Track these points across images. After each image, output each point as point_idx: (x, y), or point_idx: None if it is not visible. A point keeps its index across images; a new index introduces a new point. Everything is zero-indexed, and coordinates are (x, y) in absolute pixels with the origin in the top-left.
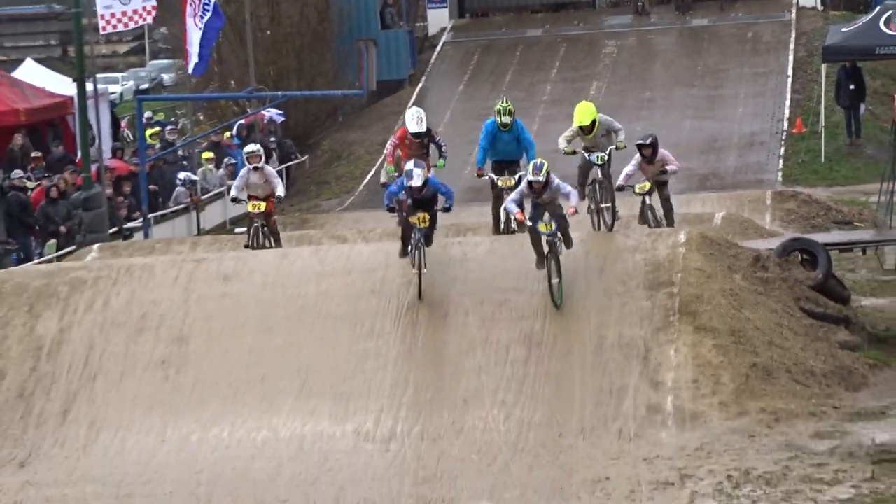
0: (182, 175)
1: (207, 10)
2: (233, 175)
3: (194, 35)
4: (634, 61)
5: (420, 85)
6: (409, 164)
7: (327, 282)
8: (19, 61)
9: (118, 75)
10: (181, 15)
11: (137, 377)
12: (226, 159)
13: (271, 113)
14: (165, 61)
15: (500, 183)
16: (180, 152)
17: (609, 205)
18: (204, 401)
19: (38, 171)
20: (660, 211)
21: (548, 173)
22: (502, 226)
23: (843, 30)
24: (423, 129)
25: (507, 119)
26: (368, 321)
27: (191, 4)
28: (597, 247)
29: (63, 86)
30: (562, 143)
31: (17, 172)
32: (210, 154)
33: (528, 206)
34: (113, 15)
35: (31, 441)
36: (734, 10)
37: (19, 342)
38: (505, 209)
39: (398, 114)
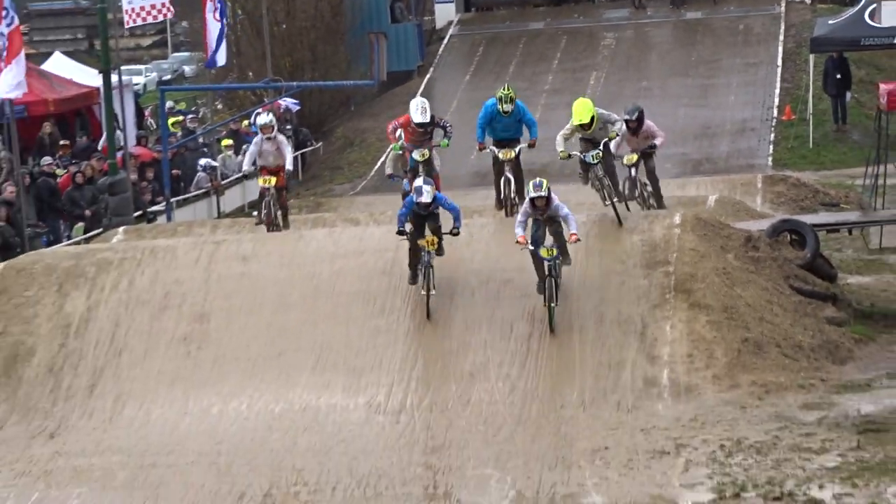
0: (202, 161)
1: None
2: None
3: (214, 29)
4: (632, 53)
5: (428, 75)
6: (418, 181)
7: (340, 262)
8: (48, 54)
9: (142, 67)
10: (202, 10)
11: (161, 353)
12: (244, 146)
13: (287, 102)
14: (186, 54)
15: (500, 156)
16: (201, 140)
17: (612, 202)
18: (224, 375)
19: (65, 159)
20: (646, 189)
21: (548, 189)
22: (502, 197)
23: (830, 22)
24: (427, 119)
25: (508, 107)
26: (380, 299)
27: (210, 0)
28: (596, 228)
29: (89, 77)
30: (559, 144)
31: (47, 159)
32: (229, 141)
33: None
34: (134, 10)
35: (60, 413)
36: (726, 4)
37: (49, 320)
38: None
39: (407, 103)
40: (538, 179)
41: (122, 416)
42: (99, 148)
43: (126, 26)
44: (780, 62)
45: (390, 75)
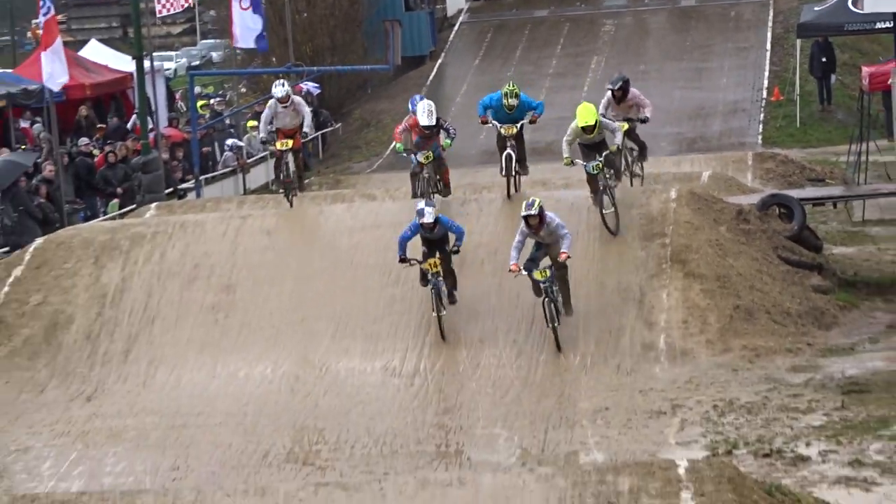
0: (229, 141)
1: None
2: None
3: (238, 17)
4: (630, 38)
5: (440, 60)
6: (420, 204)
7: (358, 235)
8: (85, 42)
9: (172, 53)
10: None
11: (191, 321)
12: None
13: (308, 86)
14: (214, 41)
15: (502, 131)
16: (227, 121)
17: (612, 210)
18: (249, 342)
19: (100, 141)
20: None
21: (541, 208)
22: (504, 174)
23: (816, 9)
24: (433, 122)
25: (513, 101)
26: (395, 270)
27: None
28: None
29: (123, 63)
30: (564, 151)
31: (84, 140)
32: (254, 122)
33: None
34: None
35: (97, 378)
36: None
37: (86, 290)
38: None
39: (420, 86)
40: (531, 199)
41: (154, 380)
42: (129, 127)
43: (157, 15)
44: (768, 47)
45: (404, 60)
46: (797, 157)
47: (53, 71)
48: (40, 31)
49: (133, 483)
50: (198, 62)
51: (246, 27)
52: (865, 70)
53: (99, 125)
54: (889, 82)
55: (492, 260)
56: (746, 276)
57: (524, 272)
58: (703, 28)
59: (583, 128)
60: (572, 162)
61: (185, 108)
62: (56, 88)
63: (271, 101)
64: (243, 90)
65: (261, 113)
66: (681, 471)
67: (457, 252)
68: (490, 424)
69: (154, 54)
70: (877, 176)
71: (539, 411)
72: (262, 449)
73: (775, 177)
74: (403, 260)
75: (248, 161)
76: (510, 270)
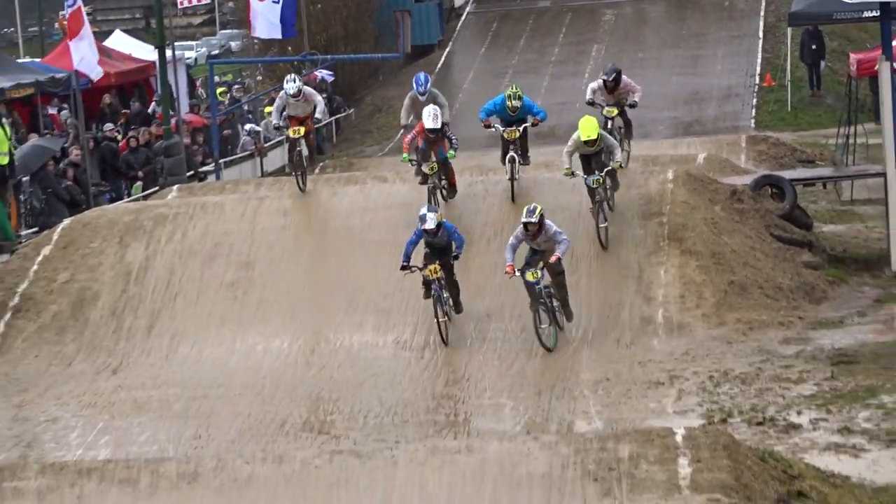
0: (247, 126)
1: None
2: None
3: (258, 7)
4: (629, 27)
5: (447, 49)
6: (423, 210)
7: (371, 215)
8: (109, 32)
9: (193, 43)
10: None
11: (211, 297)
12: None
13: (323, 73)
14: (233, 31)
15: (505, 135)
16: (246, 107)
17: (605, 224)
18: (267, 317)
19: (123, 127)
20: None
21: (541, 216)
22: (508, 178)
23: None
24: (438, 125)
25: (516, 103)
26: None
27: None
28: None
29: (146, 52)
30: (565, 161)
31: (108, 125)
32: (271, 108)
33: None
34: None
35: (122, 352)
36: None
37: (111, 268)
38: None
39: (429, 73)
40: (532, 205)
41: (177, 354)
42: (149, 112)
43: (179, 6)
44: (761, 35)
45: (414, 49)
46: (788, 140)
47: (84, 57)
48: (66, 22)
49: (157, 451)
50: (217, 51)
51: (265, 18)
52: (853, 57)
53: (123, 111)
54: (875, 68)
55: (498, 238)
56: (740, 252)
57: (517, 273)
58: (699, 17)
59: (585, 141)
60: (573, 173)
61: (205, 95)
62: (95, 76)
63: (282, 93)
64: (260, 78)
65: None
66: (678, 438)
67: (457, 258)
68: (496, 395)
69: (175, 44)
70: (864, 157)
71: (543, 382)
72: (280, 418)
73: (767, 159)
74: (405, 268)
75: (265, 145)
76: (506, 272)
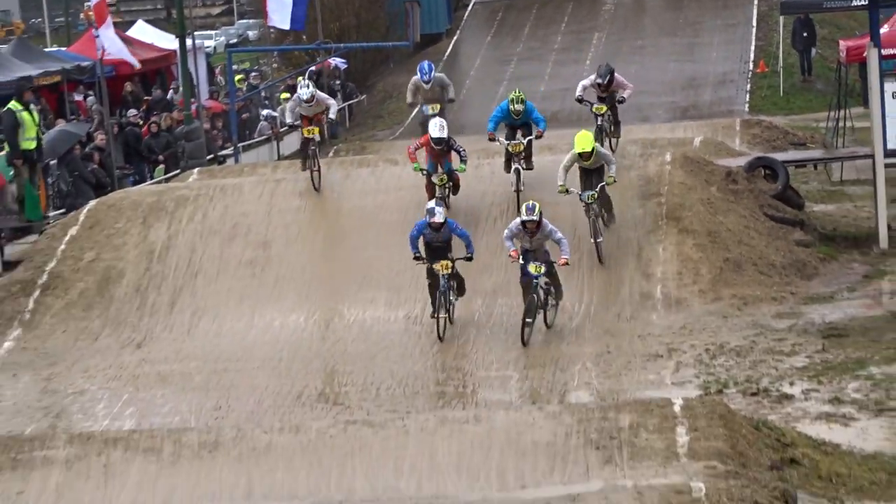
0: (264, 112)
1: None
2: None
3: None
4: (628, 16)
5: (455, 37)
6: (430, 203)
7: (382, 196)
8: (132, 22)
9: (212, 32)
10: None
11: (230, 275)
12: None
13: (336, 61)
14: (250, 20)
15: (510, 148)
16: (263, 94)
17: (602, 239)
18: (283, 293)
19: (145, 113)
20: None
21: (540, 213)
22: (513, 185)
23: None
24: (444, 135)
25: (519, 107)
26: None
27: None
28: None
29: (167, 41)
30: (560, 178)
31: (132, 111)
32: (287, 94)
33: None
34: None
35: (145, 327)
36: None
37: (135, 247)
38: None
39: (438, 60)
40: (531, 203)
41: (198, 329)
42: (168, 97)
43: None
44: (754, 23)
45: (423, 37)
46: (781, 124)
47: (113, 44)
48: (92, 13)
49: (179, 421)
50: (235, 40)
51: (280, 7)
52: (843, 43)
53: (145, 98)
54: (864, 55)
55: (503, 217)
56: (735, 231)
57: (521, 261)
58: (695, 6)
59: (580, 154)
60: (567, 190)
61: (223, 82)
62: (135, 62)
63: (296, 96)
64: (275, 65)
65: (293, 85)
66: (676, 408)
67: (470, 259)
68: (502, 367)
69: (195, 33)
70: (853, 140)
71: (547, 354)
72: (296, 390)
73: (761, 141)
74: (418, 258)
75: (281, 130)
76: (510, 255)
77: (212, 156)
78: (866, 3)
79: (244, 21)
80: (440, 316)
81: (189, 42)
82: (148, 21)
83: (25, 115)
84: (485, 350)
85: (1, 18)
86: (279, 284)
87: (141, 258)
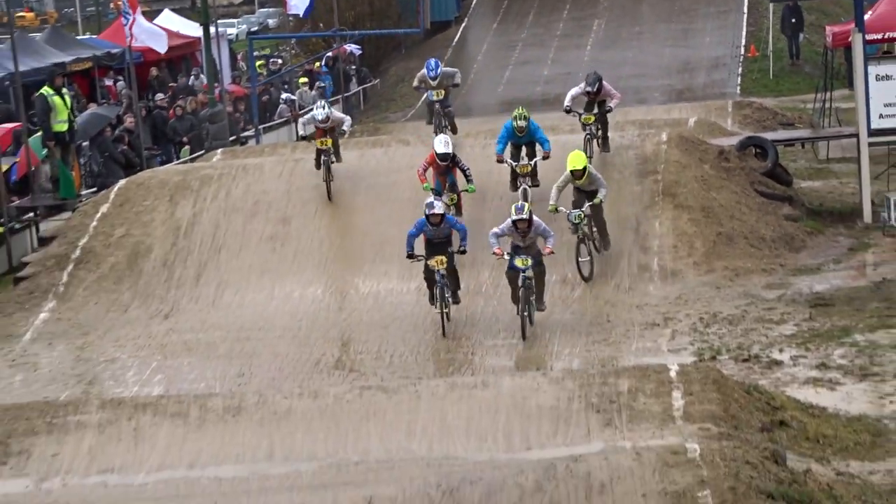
0: (284, 95)
1: None
2: (323, 94)
3: None
4: (626, 3)
5: (463, 24)
6: (430, 198)
7: (395, 175)
8: (159, 11)
9: (234, 20)
10: None
11: (252, 249)
12: (317, 83)
13: (351, 47)
14: (270, 9)
15: (518, 170)
16: (282, 78)
17: (588, 258)
18: (302, 267)
19: (170, 97)
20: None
21: (530, 213)
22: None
23: None
24: (450, 150)
25: (522, 123)
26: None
27: None
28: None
29: (192, 29)
30: (552, 198)
31: (159, 95)
32: (305, 79)
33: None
34: None
35: (172, 299)
36: None
37: (163, 224)
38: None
39: (447, 46)
40: (520, 203)
41: (222, 300)
42: (189, 83)
43: None
44: (745, 10)
45: (433, 24)
46: (770, 105)
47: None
48: (121, 2)
49: (205, 388)
50: (256, 28)
51: None
52: (829, 29)
53: (170, 84)
54: (849, 40)
55: (508, 196)
56: (727, 206)
57: (506, 257)
58: None
59: (572, 171)
60: (556, 209)
61: (245, 68)
62: (162, 50)
63: (310, 115)
64: (294, 51)
65: (310, 70)
66: (672, 374)
67: (464, 252)
68: (508, 335)
69: (218, 21)
70: (839, 120)
71: (550, 324)
72: (314, 358)
73: (752, 122)
74: (411, 256)
75: (300, 112)
76: (493, 254)
77: (234, 137)
78: None
79: (264, 10)
80: (443, 311)
81: (212, 30)
82: (174, 10)
83: (57, 99)
84: (491, 320)
85: (35, 8)
86: (298, 258)
87: (168, 234)
